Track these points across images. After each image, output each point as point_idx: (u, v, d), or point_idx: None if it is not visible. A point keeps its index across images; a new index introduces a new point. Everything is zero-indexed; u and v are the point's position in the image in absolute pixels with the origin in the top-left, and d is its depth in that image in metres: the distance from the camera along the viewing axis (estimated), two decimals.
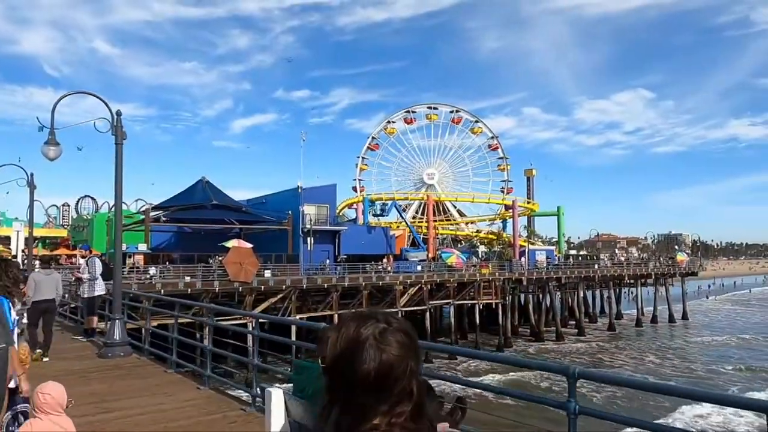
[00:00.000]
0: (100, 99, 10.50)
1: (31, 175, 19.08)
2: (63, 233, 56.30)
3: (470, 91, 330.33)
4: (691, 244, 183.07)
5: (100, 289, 13.34)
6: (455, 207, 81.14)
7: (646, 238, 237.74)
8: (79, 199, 68.06)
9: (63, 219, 67.02)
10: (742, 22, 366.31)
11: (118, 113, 10.67)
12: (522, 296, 54.22)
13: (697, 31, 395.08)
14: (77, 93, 11.03)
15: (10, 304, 4.73)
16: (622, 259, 74.88)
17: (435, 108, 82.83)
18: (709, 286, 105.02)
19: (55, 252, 46.85)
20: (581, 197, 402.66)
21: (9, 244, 43.70)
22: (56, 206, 69.24)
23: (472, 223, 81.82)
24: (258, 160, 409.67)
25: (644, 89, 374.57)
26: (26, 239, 42.23)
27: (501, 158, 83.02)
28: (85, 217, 58.46)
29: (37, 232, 46.87)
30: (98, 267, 13.33)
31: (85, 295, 13.47)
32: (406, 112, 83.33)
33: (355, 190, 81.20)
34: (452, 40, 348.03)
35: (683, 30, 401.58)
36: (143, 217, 44.91)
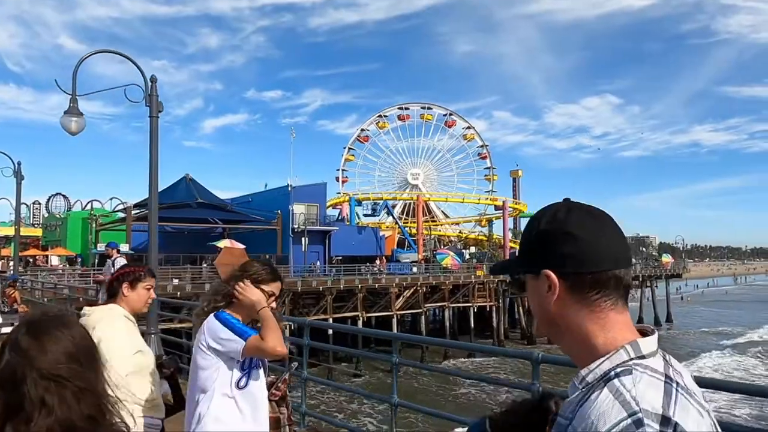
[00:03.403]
0: (132, 62, 8.72)
1: (18, 163, 16.93)
2: (38, 232, 53.16)
3: (442, 94, 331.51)
4: (657, 246, 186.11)
5: None
6: (439, 208, 79.89)
7: None
8: (50, 197, 64.70)
9: (33, 218, 63.58)
10: (704, 31, 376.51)
11: (153, 79, 8.86)
12: (509, 299, 53.38)
13: (663, 39, 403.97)
14: (108, 52, 9.23)
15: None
16: None
17: (429, 108, 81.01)
18: (681, 288, 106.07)
19: (26, 253, 43.84)
20: (552, 200, 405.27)
21: None
22: (26, 204, 65.51)
23: (456, 224, 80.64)
24: (229, 161, 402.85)
25: (611, 95, 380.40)
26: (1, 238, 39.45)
27: (488, 168, 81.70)
28: (57, 215, 55.36)
29: (7, 231, 44.01)
30: None
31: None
32: (399, 108, 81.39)
33: (338, 180, 79.43)
34: (425, 43, 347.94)
35: (650, 37, 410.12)
36: (123, 215, 42.49)
